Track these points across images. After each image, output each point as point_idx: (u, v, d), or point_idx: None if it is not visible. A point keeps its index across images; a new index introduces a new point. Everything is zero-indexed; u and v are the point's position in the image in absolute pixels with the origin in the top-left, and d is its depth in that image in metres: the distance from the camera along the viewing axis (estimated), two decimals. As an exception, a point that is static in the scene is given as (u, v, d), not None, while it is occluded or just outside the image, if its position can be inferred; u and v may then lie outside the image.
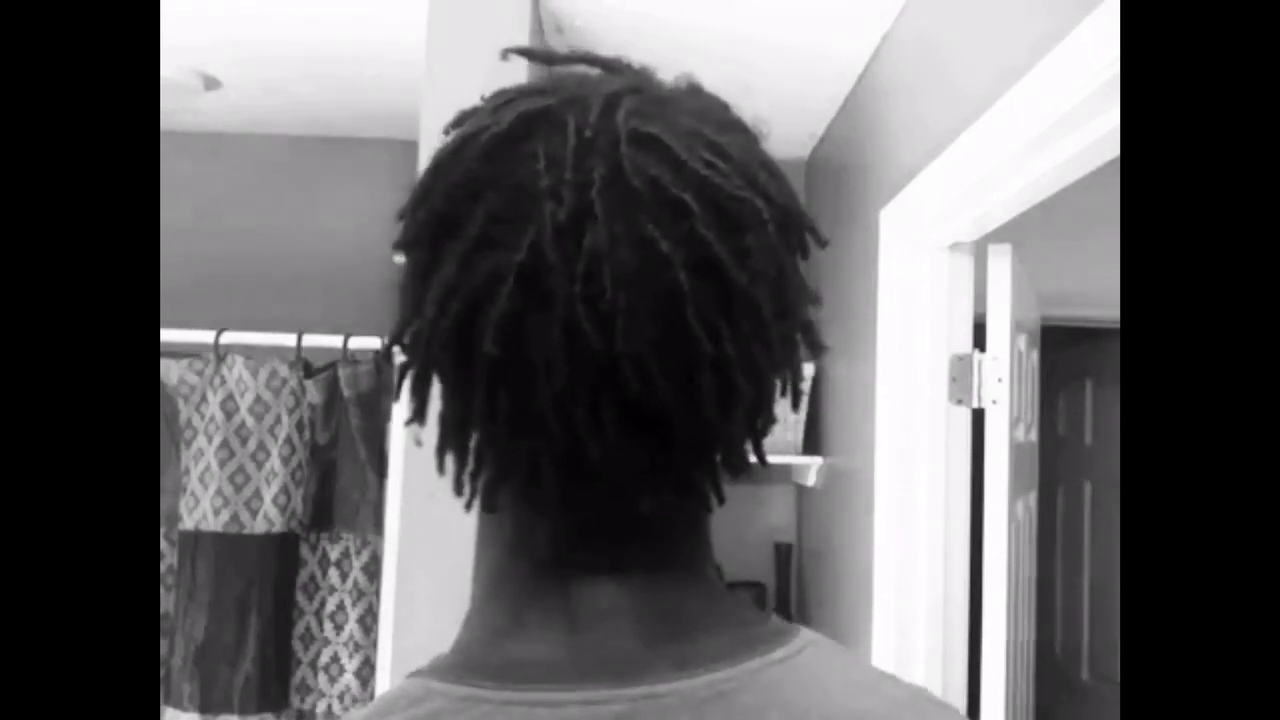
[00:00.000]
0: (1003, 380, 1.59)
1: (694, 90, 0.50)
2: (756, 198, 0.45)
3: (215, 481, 1.87)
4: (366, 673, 1.86)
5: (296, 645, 1.90)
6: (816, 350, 0.51)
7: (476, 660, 0.47)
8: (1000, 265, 1.62)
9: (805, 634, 0.50)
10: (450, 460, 0.48)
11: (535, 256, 0.42)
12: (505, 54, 0.52)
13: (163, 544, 1.90)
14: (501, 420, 0.45)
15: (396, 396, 0.49)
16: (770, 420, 0.49)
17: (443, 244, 0.44)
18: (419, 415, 0.48)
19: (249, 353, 1.91)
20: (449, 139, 0.47)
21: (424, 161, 0.48)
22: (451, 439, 0.47)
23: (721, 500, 0.50)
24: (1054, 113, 1.09)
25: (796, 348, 0.49)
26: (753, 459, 0.50)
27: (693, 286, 0.42)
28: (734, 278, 0.44)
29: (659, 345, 0.43)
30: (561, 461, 0.44)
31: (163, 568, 1.89)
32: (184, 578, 1.87)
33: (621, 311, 0.42)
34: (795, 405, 0.50)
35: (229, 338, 1.89)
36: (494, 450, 0.46)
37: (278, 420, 1.89)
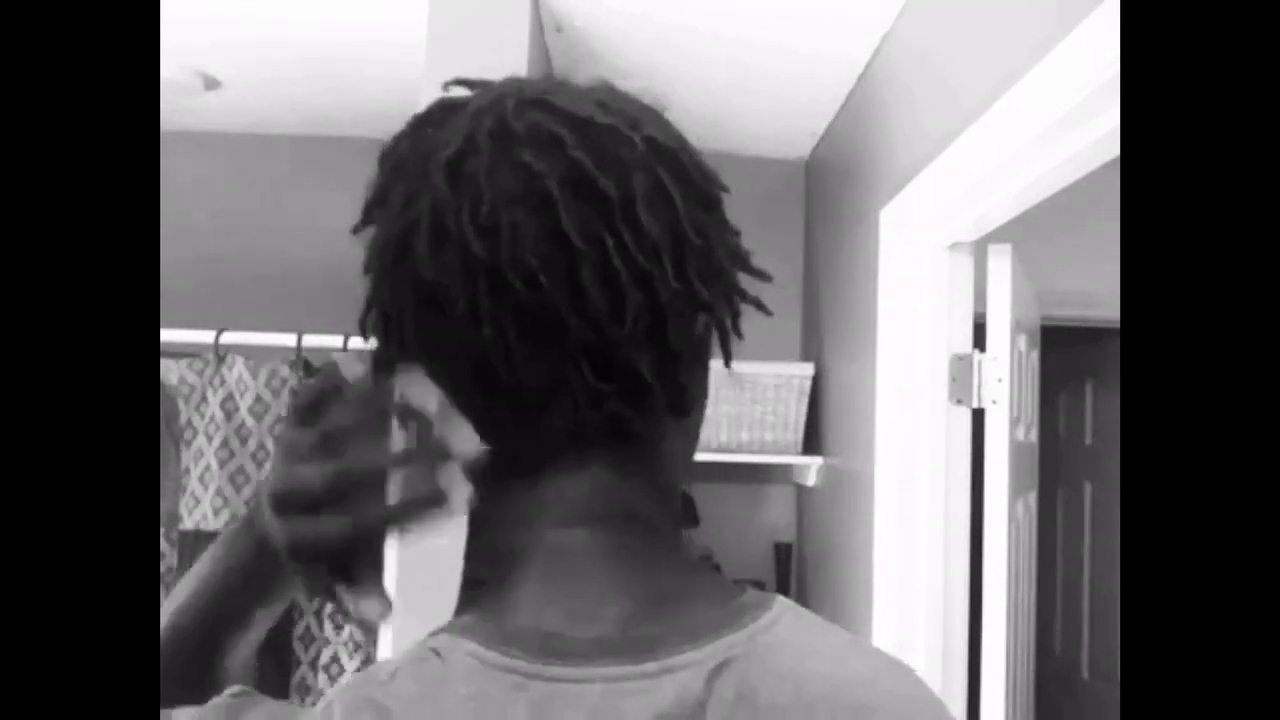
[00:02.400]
0: (1003, 380, 1.59)
1: (607, 86, 0.54)
2: (633, 133, 0.49)
3: (215, 481, 1.87)
4: (366, 673, 1.86)
5: (296, 645, 1.90)
6: (756, 275, 0.53)
7: (499, 626, 0.48)
8: (1000, 265, 1.62)
9: (780, 601, 0.52)
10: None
11: (436, 197, 0.47)
12: (447, 86, 0.55)
13: (163, 544, 1.90)
14: (429, 347, 0.49)
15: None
16: (687, 349, 0.50)
17: (379, 215, 0.51)
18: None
19: (249, 353, 1.91)
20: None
21: None
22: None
23: (643, 430, 0.51)
24: (1054, 112, 1.09)
25: (715, 289, 0.51)
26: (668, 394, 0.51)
27: (563, 194, 0.46)
28: (603, 187, 0.47)
29: (545, 256, 0.46)
30: (476, 376, 0.48)
31: (163, 568, 1.89)
32: (184, 578, 1.87)
33: (505, 226, 0.46)
34: (726, 359, 0.53)
35: (229, 338, 1.89)
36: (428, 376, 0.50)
37: (278, 420, 1.89)
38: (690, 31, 1.83)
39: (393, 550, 1.60)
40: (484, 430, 0.50)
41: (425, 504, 0.49)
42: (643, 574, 0.50)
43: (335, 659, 1.88)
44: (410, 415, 0.51)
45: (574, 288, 0.46)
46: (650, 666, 0.46)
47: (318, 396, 0.52)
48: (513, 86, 0.51)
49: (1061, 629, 3.30)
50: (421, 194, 0.48)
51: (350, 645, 1.87)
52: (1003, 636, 1.58)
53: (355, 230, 0.52)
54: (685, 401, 0.52)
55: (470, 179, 0.47)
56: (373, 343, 0.52)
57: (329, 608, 1.89)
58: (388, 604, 0.51)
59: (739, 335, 0.53)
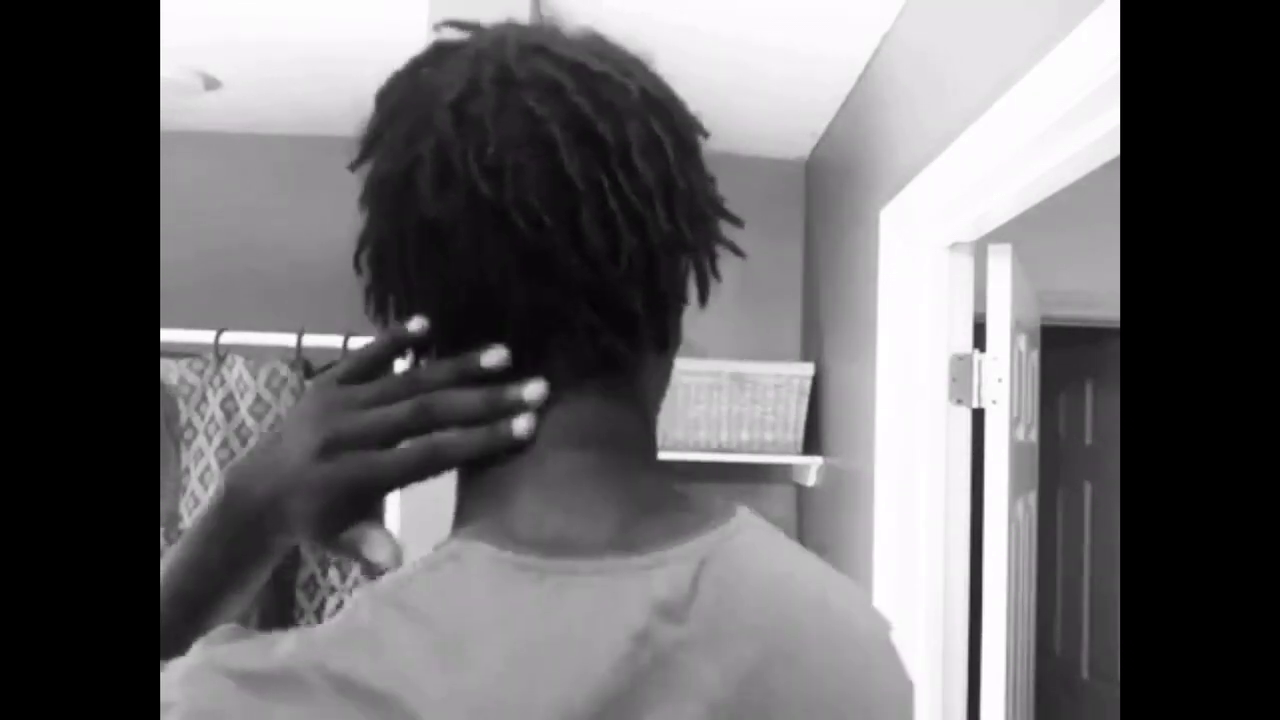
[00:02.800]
0: (1003, 380, 1.59)
1: (595, 34, 0.56)
2: (627, 81, 0.51)
3: (215, 481, 1.87)
4: (366, 673, 1.86)
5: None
6: (732, 220, 0.56)
7: (506, 533, 0.50)
8: (1000, 265, 1.62)
9: (741, 511, 0.55)
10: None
11: (441, 138, 0.49)
12: (438, 27, 0.56)
13: (163, 544, 1.90)
14: (426, 281, 0.51)
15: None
16: (671, 289, 0.53)
17: (379, 151, 0.53)
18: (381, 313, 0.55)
19: (249, 353, 1.90)
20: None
21: None
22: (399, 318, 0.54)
23: (631, 361, 0.53)
24: (1054, 112, 1.09)
25: (699, 232, 0.53)
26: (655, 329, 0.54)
27: (565, 138, 0.48)
28: (602, 132, 0.49)
29: (547, 197, 0.48)
30: (473, 311, 0.51)
31: (163, 568, 1.89)
32: (184, 578, 1.87)
33: (509, 168, 0.48)
34: (702, 299, 0.55)
35: (229, 338, 1.89)
36: (424, 313, 0.52)
37: (278, 420, 1.89)
38: (690, 31, 1.83)
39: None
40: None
41: (501, 433, 0.51)
42: (631, 487, 0.53)
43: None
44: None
45: (574, 229, 0.49)
46: (645, 560, 0.49)
47: (377, 356, 0.55)
48: (509, 31, 0.53)
49: (1061, 629, 3.30)
50: (424, 134, 0.50)
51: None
52: (1003, 636, 1.58)
53: (352, 167, 0.54)
54: (668, 338, 0.55)
55: (475, 121, 0.49)
56: (366, 278, 0.55)
57: (330, 607, 1.89)
58: (398, 547, 0.54)
59: (717, 277, 0.56)
